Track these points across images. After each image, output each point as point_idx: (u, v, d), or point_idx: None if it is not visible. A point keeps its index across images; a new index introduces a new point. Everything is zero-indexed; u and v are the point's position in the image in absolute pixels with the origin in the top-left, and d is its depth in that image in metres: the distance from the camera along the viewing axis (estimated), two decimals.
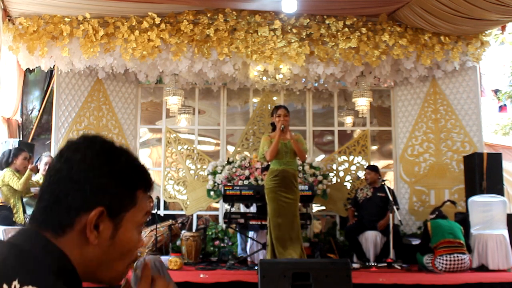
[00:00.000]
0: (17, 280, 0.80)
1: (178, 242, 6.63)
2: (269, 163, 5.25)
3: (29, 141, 7.31)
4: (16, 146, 6.19)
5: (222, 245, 7.07)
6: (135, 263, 1.02)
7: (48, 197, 0.91)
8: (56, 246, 0.88)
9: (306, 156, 5.67)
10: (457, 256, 5.38)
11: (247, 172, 7.08)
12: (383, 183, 6.34)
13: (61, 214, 0.89)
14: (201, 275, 4.84)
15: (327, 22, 6.29)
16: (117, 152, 0.96)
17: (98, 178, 0.90)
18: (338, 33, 6.25)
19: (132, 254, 0.97)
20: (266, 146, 5.13)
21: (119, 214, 0.92)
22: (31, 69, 6.74)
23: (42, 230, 0.89)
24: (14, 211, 5.45)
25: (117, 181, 0.92)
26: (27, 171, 5.44)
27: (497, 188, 6.24)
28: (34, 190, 5.71)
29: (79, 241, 0.89)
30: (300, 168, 7.01)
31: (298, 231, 5.11)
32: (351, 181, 7.61)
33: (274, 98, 7.90)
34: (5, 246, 0.88)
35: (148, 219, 6.77)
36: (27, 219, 5.32)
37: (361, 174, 7.45)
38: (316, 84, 7.73)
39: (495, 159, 6.45)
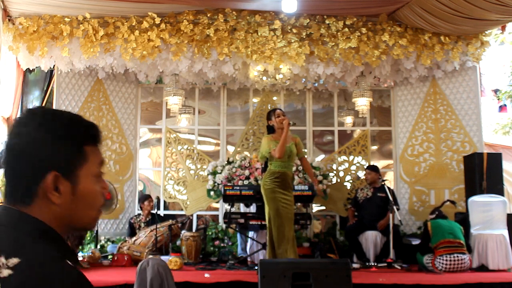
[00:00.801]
0: (3, 257, 0.88)
1: (178, 242, 6.63)
2: (268, 164, 5.23)
3: None
4: None
5: (222, 245, 7.07)
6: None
7: (9, 173, 1.02)
8: (28, 215, 0.98)
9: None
10: (457, 256, 5.38)
11: (247, 172, 7.07)
12: (383, 183, 6.34)
13: (24, 187, 0.99)
14: (206, 275, 4.84)
15: (327, 22, 6.29)
16: (56, 118, 1.04)
17: (44, 146, 1.00)
18: (338, 33, 6.25)
19: (98, 200, 1.07)
20: (272, 145, 5.10)
21: (72, 173, 1.01)
22: (31, 69, 6.73)
23: (12, 204, 1.00)
24: None
25: (61, 144, 1.01)
26: None
27: (497, 188, 6.24)
28: None
29: (46, 204, 0.99)
30: (300, 168, 7.01)
31: (293, 232, 5.16)
32: (351, 181, 7.61)
33: (274, 98, 7.90)
34: None
35: (148, 219, 6.77)
36: None
37: (361, 174, 7.45)
38: (316, 84, 7.73)
39: (495, 159, 6.45)
